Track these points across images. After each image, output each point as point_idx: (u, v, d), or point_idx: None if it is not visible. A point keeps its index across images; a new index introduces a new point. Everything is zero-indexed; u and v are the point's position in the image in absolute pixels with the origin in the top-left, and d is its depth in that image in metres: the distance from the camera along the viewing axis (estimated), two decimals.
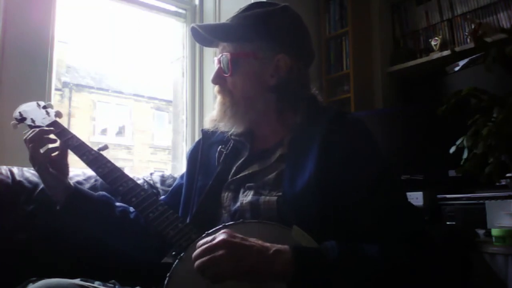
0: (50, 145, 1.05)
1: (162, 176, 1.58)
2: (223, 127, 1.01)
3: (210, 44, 1.06)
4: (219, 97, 1.02)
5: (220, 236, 0.73)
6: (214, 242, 0.72)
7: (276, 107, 1.00)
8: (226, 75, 0.99)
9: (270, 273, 0.73)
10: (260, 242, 0.75)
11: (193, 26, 1.01)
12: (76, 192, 1.04)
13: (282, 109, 1.01)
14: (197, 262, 0.71)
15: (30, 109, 1.13)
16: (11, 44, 1.61)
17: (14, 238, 1.15)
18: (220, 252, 0.70)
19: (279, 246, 0.74)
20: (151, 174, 1.58)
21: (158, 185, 1.52)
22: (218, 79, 1.01)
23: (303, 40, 1.04)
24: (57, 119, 1.12)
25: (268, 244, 0.75)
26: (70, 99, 11.08)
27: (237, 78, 0.98)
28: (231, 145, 1.06)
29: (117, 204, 1.10)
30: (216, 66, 1.03)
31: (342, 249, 0.76)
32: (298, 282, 0.72)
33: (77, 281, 0.89)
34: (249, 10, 1.01)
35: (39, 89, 1.66)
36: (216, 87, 1.03)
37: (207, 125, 1.04)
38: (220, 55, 1.00)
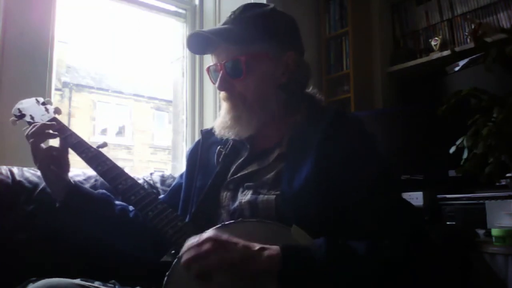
0: (51, 142, 1.06)
1: (162, 176, 1.58)
2: (237, 132, 0.99)
3: (203, 51, 1.03)
4: (227, 104, 1.00)
5: (206, 234, 0.75)
6: (200, 239, 0.74)
7: (284, 105, 1.00)
8: (237, 79, 0.97)
9: (255, 268, 0.73)
10: (247, 241, 0.76)
11: (197, 32, 0.98)
12: (75, 190, 1.04)
13: (289, 106, 1.01)
14: (183, 258, 0.73)
15: (29, 105, 1.13)
16: (11, 44, 1.61)
17: (14, 238, 1.15)
18: (206, 246, 0.72)
19: (267, 246, 0.75)
20: (151, 174, 1.58)
21: (158, 185, 1.52)
22: (226, 84, 0.98)
23: (300, 36, 1.06)
24: (56, 115, 1.12)
25: (255, 243, 0.75)
26: (70, 99, 11.07)
27: (250, 80, 0.97)
28: (230, 145, 1.06)
29: (117, 202, 1.10)
30: (212, 74, 1.01)
31: (330, 246, 0.77)
32: (285, 278, 0.73)
33: (77, 281, 0.89)
34: (246, 12, 1.00)
35: (39, 89, 1.66)
36: (223, 94, 1.00)
37: (218, 132, 1.02)
38: (225, 61, 0.97)
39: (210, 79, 1.04)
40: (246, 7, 1.02)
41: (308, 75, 1.05)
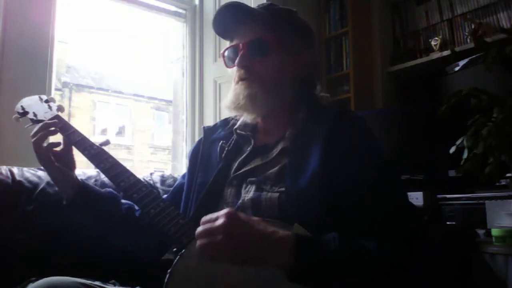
0: (53, 139, 1.05)
1: (162, 176, 1.58)
2: (250, 112, 1.01)
3: (224, 32, 1.06)
4: (243, 83, 1.00)
5: (222, 218, 0.72)
6: (215, 224, 0.72)
7: (294, 100, 1.02)
8: (258, 59, 0.99)
9: (268, 262, 0.73)
10: (262, 227, 0.74)
11: (232, 2, 1.00)
12: (83, 188, 1.04)
13: (295, 102, 1.02)
14: (198, 242, 0.72)
15: (32, 102, 1.13)
16: (11, 44, 1.61)
17: (14, 238, 1.15)
18: (220, 237, 0.70)
19: (281, 234, 0.74)
20: (151, 174, 1.58)
21: (158, 185, 1.52)
22: (246, 62, 1.00)
23: (315, 40, 1.12)
24: (59, 113, 1.12)
25: (270, 231, 0.74)
26: (70, 99, 11.07)
27: (270, 63, 0.99)
28: (233, 141, 1.06)
29: (123, 201, 1.10)
30: (228, 56, 1.03)
31: (342, 241, 0.77)
32: (297, 271, 0.73)
33: (78, 280, 0.89)
34: (274, 6, 1.05)
35: (39, 89, 1.65)
36: (241, 73, 1.00)
37: (228, 110, 1.03)
38: (250, 39, 0.99)
39: (224, 62, 1.06)
40: (272, 3, 1.07)
41: (317, 76, 1.10)
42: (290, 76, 1.01)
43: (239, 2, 1.00)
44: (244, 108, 1.00)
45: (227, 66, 1.05)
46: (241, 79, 1.00)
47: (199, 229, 0.73)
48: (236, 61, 1.00)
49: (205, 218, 0.74)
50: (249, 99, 0.98)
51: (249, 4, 1.04)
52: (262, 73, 0.99)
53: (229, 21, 1.02)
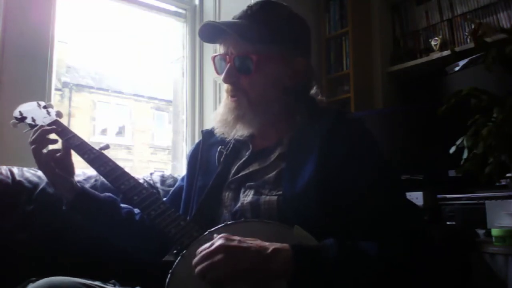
0: (52, 146, 1.05)
1: (162, 176, 1.58)
2: (238, 130, 0.98)
3: (213, 40, 1.02)
4: (231, 99, 0.98)
5: (218, 241, 0.74)
6: (212, 248, 0.74)
7: (288, 108, 1.00)
8: (244, 75, 0.96)
9: (269, 272, 0.73)
10: (258, 242, 0.76)
11: (212, 22, 0.97)
12: (82, 192, 1.04)
13: (291, 108, 1.01)
14: (197, 268, 0.73)
15: (30, 108, 1.13)
16: (11, 44, 1.61)
17: (14, 238, 1.15)
18: (219, 256, 0.72)
19: (278, 244, 0.75)
20: (151, 174, 1.58)
21: (158, 185, 1.52)
22: (232, 78, 0.96)
23: (311, 41, 1.06)
24: (58, 118, 1.12)
25: (266, 243, 0.75)
26: (70, 99, 11.06)
27: (257, 79, 0.95)
28: (231, 145, 1.06)
29: (123, 205, 1.09)
30: (218, 63, 1.00)
31: (341, 247, 0.77)
32: (297, 280, 0.73)
33: (79, 279, 0.89)
34: (264, 10, 0.99)
35: (39, 89, 1.66)
36: (229, 87, 0.99)
37: (218, 129, 1.01)
38: (235, 54, 0.95)
39: (215, 68, 1.02)
40: (264, 4, 1.00)
41: (314, 80, 1.05)
42: (280, 88, 0.98)
43: (217, 23, 0.96)
44: (233, 127, 0.99)
45: (217, 72, 1.01)
46: (230, 95, 0.99)
47: (197, 258, 0.74)
48: (223, 76, 0.97)
49: (200, 248, 0.76)
50: (236, 121, 0.97)
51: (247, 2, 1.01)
52: (249, 90, 0.96)
53: (214, 34, 0.98)
